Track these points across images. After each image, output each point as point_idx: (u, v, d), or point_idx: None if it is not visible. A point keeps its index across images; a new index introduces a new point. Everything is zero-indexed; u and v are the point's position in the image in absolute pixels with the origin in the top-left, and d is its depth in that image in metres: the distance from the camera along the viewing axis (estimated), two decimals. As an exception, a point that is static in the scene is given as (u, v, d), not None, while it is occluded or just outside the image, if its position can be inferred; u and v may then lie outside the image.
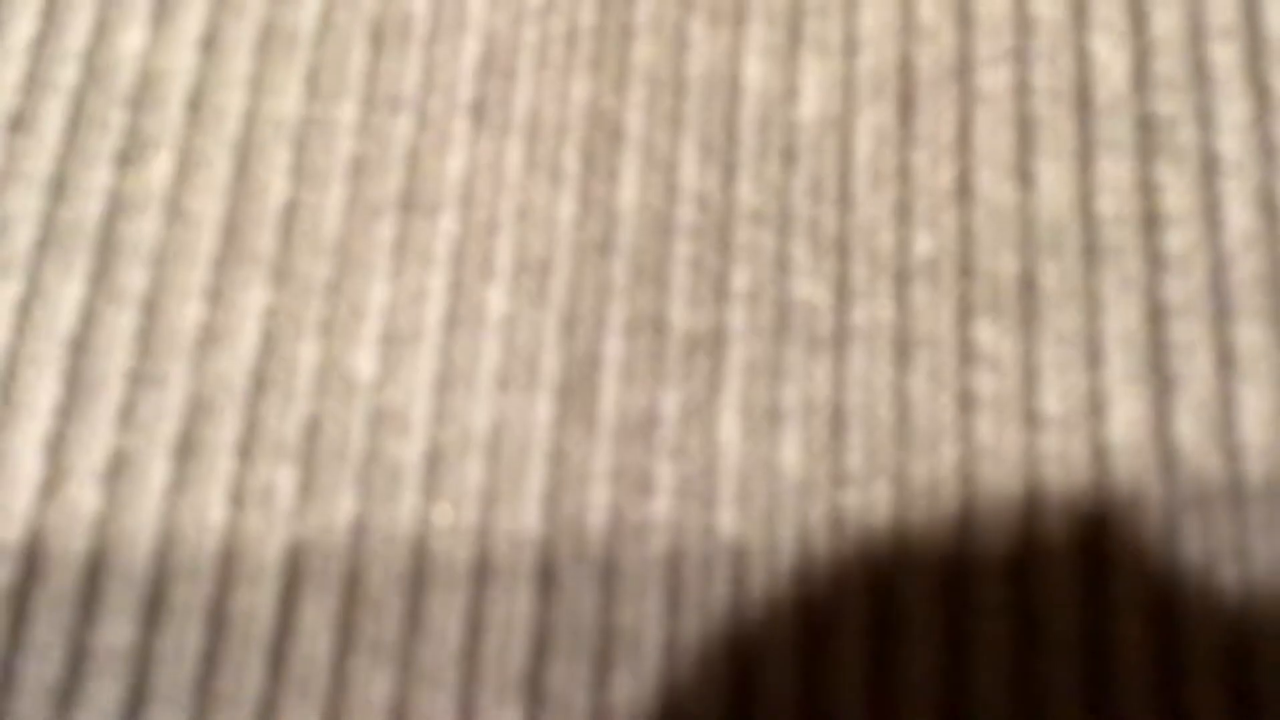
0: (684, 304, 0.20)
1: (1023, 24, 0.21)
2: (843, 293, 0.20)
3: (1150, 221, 0.20)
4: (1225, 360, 0.19)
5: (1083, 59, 0.21)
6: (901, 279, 0.20)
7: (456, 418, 0.19)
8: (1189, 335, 0.19)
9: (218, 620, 0.19)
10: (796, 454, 0.19)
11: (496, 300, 0.20)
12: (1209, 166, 0.20)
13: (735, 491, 0.19)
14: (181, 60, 0.21)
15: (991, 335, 0.20)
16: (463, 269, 0.20)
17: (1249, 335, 0.19)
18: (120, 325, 0.20)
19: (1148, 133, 0.20)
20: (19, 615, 0.19)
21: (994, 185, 0.20)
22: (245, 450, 0.19)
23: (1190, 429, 0.19)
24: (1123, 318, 0.20)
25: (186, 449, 0.19)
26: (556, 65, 0.21)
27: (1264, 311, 0.19)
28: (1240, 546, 0.18)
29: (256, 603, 0.19)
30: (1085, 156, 0.20)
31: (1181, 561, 0.18)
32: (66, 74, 0.21)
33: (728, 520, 0.19)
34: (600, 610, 0.18)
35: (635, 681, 0.18)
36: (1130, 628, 0.18)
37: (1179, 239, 0.20)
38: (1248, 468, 0.19)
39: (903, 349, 0.20)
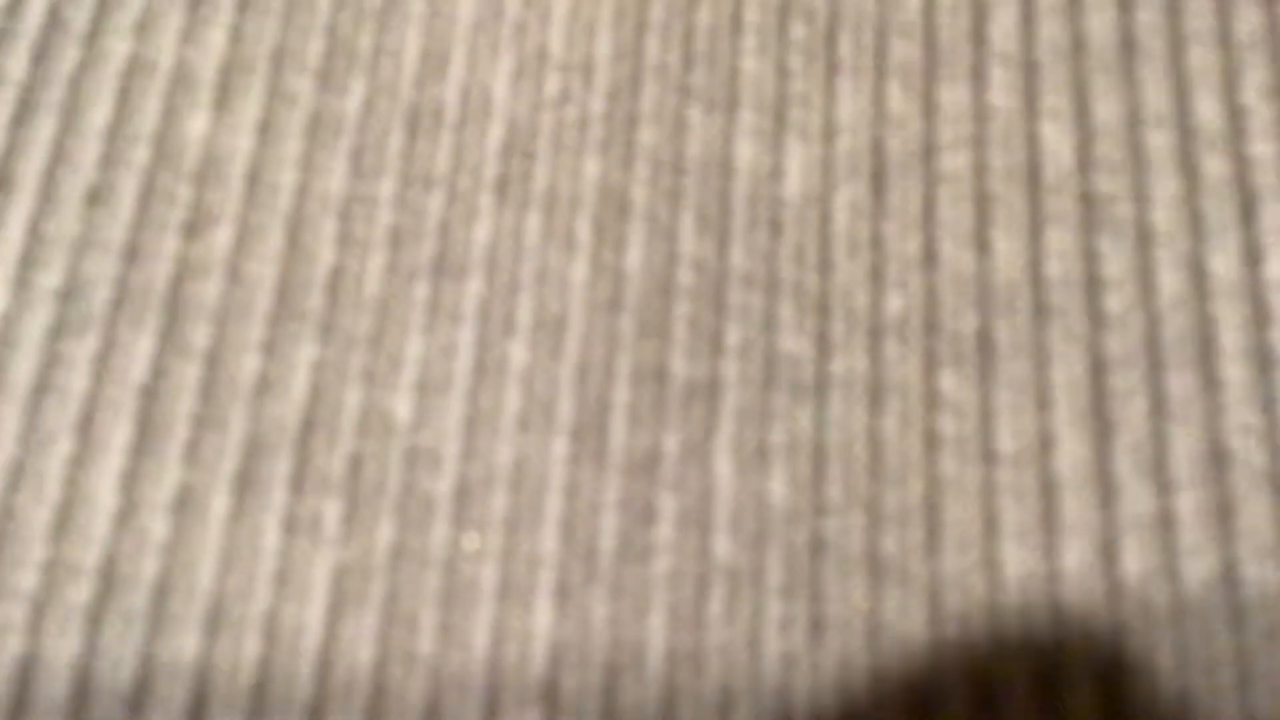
0: (683, 356, 0.21)
1: (980, 113, 0.22)
2: (823, 346, 0.21)
3: (1092, 285, 0.21)
4: (1158, 406, 0.20)
5: (1033, 143, 0.22)
6: (875, 334, 0.21)
7: (483, 456, 0.20)
8: (1127, 384, 0.21)
9: (271, 634, 0.20)
10: (782, 487, 0.20)
11: (518, 353, 0.21)
12: (1144, 237, 0.21)
13: (728, 520, 0.20)
14: (241, 143, 0.23)
15: (953, 383, 0.21)
16: (488, 326, 0.21)
17: (1179, 384, 0.21)
18: (186, 375, 0.21)
19: (1090, 208, 0.22)
20: (96, 628, 0.20)
21: (955, 253, 0.22)
22: (296, 485, 0.20)
23: (1128, 466, 0.20)
24: (1068, 368, 0.21)
25: (244, 484, 0.20)
26: (571, 147, 0.22)
27: (1192, 363, 0.21)
28: (1171, 567, 0.20)
29: (306, 618, 0.20)
30: (1035, 228, 0.22)
31: (1120, 579, 0.20)
32: (139, 154, 0.22)
33: (722, 545, 0.20)
34: (609, 624, 0.20)
35: (640, 687, 0.19)
36: (1075, 630, 0.19)
37: (1117, 300, 0.21)
38: (1177, 500, 0.20)
39: (876, 395, 0.21)
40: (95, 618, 0.20)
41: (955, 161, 0.22)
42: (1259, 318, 0.21)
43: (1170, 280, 0.21)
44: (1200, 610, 0.20)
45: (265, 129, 0.23)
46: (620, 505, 0.20)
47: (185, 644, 0.20)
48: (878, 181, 0.22)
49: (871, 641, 0.19)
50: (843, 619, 0.20)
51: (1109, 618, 0.19)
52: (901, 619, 0.19)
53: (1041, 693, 0.19)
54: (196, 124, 0.23)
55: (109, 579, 0.20)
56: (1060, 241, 0.22)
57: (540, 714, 0.19)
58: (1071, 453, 0.20)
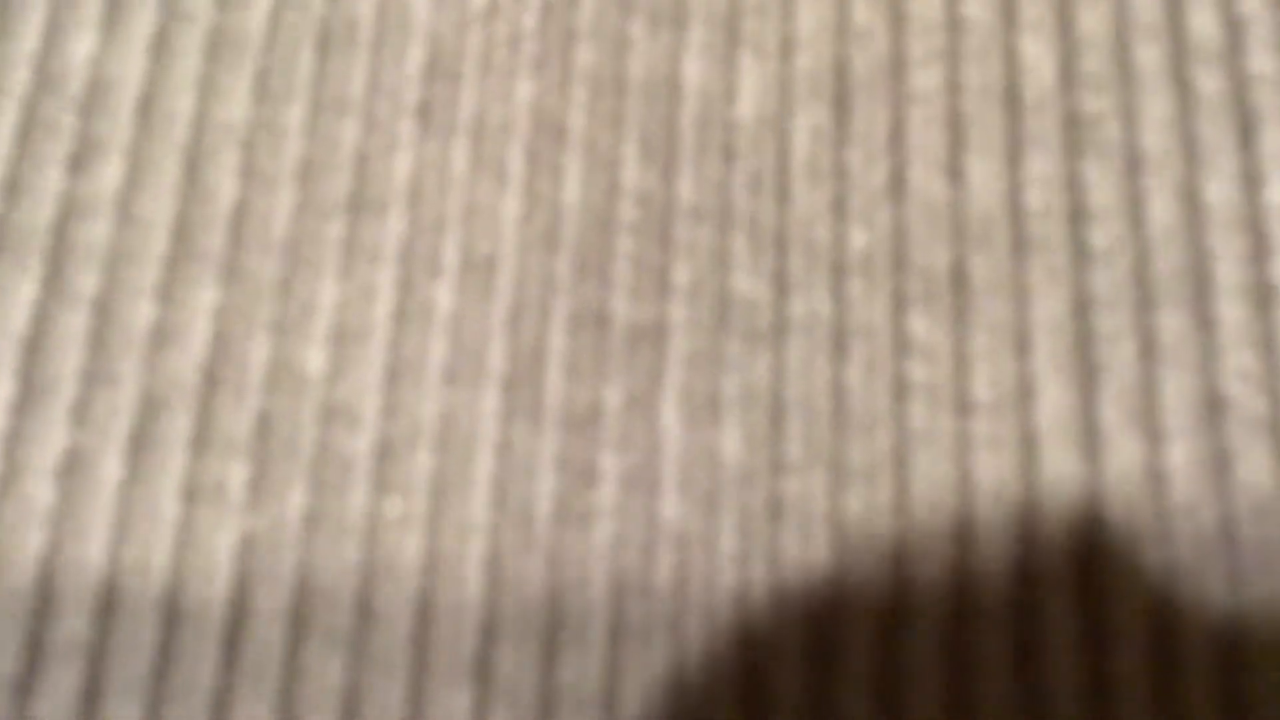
0: (626, 298, 0.20)
1: (953, 25, 0.22)
2: (781, 286, 0.20)
3: (1076, 216, 0.20)
4: (1148, 348, 0.20)
5: (1011, 59, 0.21)
6: (838, 272, 0.20)
7: (405, 411, 0.20)
8: (1113, 324, 0.20)
9: (171, 613, 0.19)
10: (737, 443, 0.19)
11: (444, 297, 0.20)
12: (1133, 163, 0.21)
13: (677, 480, 0.19)
14: (131, 65, 0.22)
15: (925, 326, 0.20)
16: (410, 267, 0.20)
17: (1170, 324, 0.20)
18: (73, 325, 0.20)
19: (1074, 130, 0.21)
20: (-25, 610, 0.19)
21: (926, 181, 0.21)
22: (197, 446, 0.20)
23: (1114, 414, 0.19)
24: (1050, 308, 0.20)
25: (139, 446, 0.19)
26: (500, 68, 0.21)
27: (1184, 301, 0.20)
28: (1162, 526, 0.19)
29: (210, 595, 0.19)
30: (1014, 153, 0.21)
31: (1102, 538, 0.19)
32: (18, 79, 0.21)
33: (670, 508, 0.19)
34: (547, 596, 0.19)
35: (581, 664, 0.18)
36: (1058, 601, 0.18)
37: (1104, 233, 0.20)
38: (1169, 450, 0.19)
39: (839, 340, 0.20)
40: (-27, 597, 0.19)
41: (926, 79, 0.21)
42: (1258, 250, 0.20)
43: (1161, 210, 0.20)
44: (1194, 571, 0.18)
45: (159, 49, 0.22)
46: (557, 464, 0.19)
47: (75, 625, 0.19)
48: (840, 103, 0.21)
49: (834, 609, 0.19)
50: (803, 586, 0.19)
51: (1094, 581, 0.19)
52: (867, 584, 0.19)
53: (1022, 661, 0.18)
54: (82, 45, 0.22)
55: (-12, 554, 0.19)
56: (1041, 167, 0.21)
57: (471, 694, 0.18)
58: (1053, 401, 0.19)
